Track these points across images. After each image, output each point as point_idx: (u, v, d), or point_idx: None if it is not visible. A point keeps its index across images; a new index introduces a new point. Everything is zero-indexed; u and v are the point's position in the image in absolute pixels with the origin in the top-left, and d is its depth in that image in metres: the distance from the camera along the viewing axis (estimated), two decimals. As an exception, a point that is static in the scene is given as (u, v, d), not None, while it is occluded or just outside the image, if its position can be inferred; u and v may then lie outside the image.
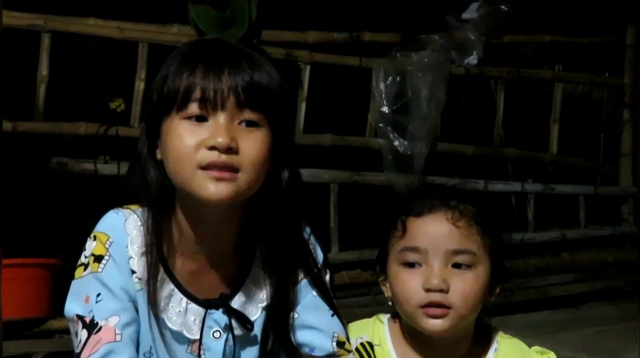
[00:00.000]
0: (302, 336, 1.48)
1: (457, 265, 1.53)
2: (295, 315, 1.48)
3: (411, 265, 1.56)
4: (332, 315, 1.51)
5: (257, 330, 1.46)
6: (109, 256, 1.40)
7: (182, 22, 3.81)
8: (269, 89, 1.35)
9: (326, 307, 1.50)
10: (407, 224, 1.57)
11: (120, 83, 3.76)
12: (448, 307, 1.52)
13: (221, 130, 1.31)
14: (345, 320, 1.59)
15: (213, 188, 1.32)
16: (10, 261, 2.98)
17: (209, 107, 1.32)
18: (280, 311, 1.46)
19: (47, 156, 3.55)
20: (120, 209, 1.43)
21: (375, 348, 1.61)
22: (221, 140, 1.31)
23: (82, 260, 1.42)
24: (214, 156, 1.31)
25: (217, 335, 1.44)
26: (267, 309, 1.46)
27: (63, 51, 3.62)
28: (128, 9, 3.76)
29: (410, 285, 1.54)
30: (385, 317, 1.67)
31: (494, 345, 1.64)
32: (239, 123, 1.34)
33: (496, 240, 1.58)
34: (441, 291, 1.52)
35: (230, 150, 1.31)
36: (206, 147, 1.31)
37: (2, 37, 3.08)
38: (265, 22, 3.98)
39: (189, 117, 1.33)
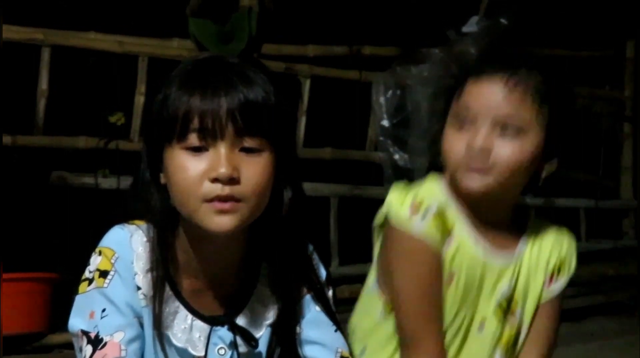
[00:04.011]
0: (305, 351, 1.48)
1: (504, 129, 1.52)
2: (299, 331, 1.47)
3: (462, 124, 1.56)
4: (336, 331, 1.50)
5: (262, 347, 1.45)
6: (115, 271, 1.39)
7: (182, 36, 3.81)
8: (266, 108, 1.34)
9: (329, 322, 1.49)
10: (466, 85, 1.57)
11: (120, 97, 3.76)
12: (488, 168, 1.52)
13: (222, 161, 1.31)
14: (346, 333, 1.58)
15: (217, 221, 1.32)
16: (9, 276, 2.97)
17: (208, 137, 1.32)
18: (286, 328, 1.45)
19: (47, 170, 3.54)
20: (125, 224, 1.42)
21: (444, 212, 1.59)
22: (223, 171, 1.30)
23: (87, 274, 1.41)
24: (217, 189, 1.31)
25: (222, 352, 1.43)
26: (272, 326, 1.45)
27: (63, 65, 3.62)
28: (128, 23, 3.77)
29: (456, 144, 1.56)
30: (438, 178, 1.65)
31: (528, 224, 1.68)
32: (240, 150, 1.33)
33: (556, 112, 1.55)
34: (483, 154, 1.52)
35: (233, 180, 1.31)
36: (209, 179, 1.31)
37: (2, 50, 3.07)
38: (265, 36, 3.99)
39: (190, 148, 1.32)
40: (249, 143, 1.33)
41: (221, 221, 1.32)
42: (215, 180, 1.31)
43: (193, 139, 1.32)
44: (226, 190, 1.31)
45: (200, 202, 1.32)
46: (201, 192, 1.31)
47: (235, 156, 1.32)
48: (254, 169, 1.33)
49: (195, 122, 1.32)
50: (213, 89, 1.32)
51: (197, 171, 1.32)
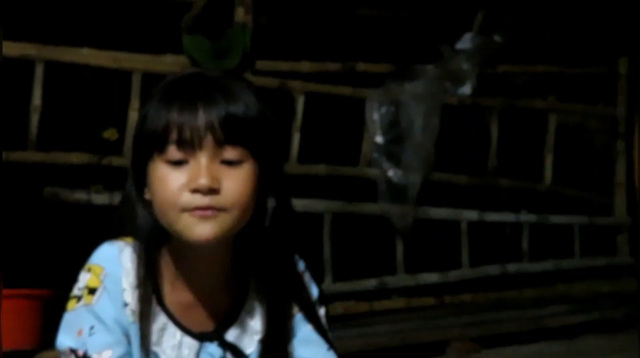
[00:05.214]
0: (297, 370, 1.46)
1: None
2: (290, 350, 1.46)
3: None
4: (328, 349, 1.49)
5: (253, 363, 1.44)
6: (103, 288, 1.39)
7: (176, 52, 3.82)
8: (246, 120, 1.34)
9: (322, 341, 1.48)
10: None
11: (113, 113, 3.76)
12: None
13: (202, 171, 1.31)
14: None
15: (199, 229, 1.32)
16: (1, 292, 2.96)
17: (187, 148, 1.32)
18: (276, 344, 1.44)
19: (40, 186, 3.53)
20: (115, 241, 1.42)
21: None
22: (203, 182, 1.30)
23: (75, 292, 1.40)
24: (197, 200, 1.31)
25: (211, 368, 1.42)
26: (262, 342, 1.44)
27: (56, 81, 3.62)
28: (122, 39, 3.77)
29: None
30: None
31: None
32: (221, 162, 1.33)
33: None
34: None
35: (213, 191, 1.31)
36: (189, 190, 1.31)
37: (2, 66, 3.07)
38: (260, 53, 3.99)
39: (170, 161, 1.33)
40: (229, 154, 1.33)
41: (202, 229, 1.32)
42: (195, 191, 1.31)
43: (172, 151, 1.32)
44: (206, 200, 1.31)
45: (180, 212, 1.32)
46: (181, 203, 1.31)
47: (215, 167, 1.32)
48: (235, 181, 1.33)
49: (174, 135, 1.32)
50: (191, 102, 1.33)
51: (177, 183, 1.32)
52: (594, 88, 5.07)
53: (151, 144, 1.34)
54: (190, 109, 1.32)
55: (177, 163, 1.32)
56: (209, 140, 1.32)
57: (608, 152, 5.13)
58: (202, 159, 1.32)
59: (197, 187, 1.30)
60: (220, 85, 1.35)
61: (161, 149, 1.33)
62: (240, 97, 1.35)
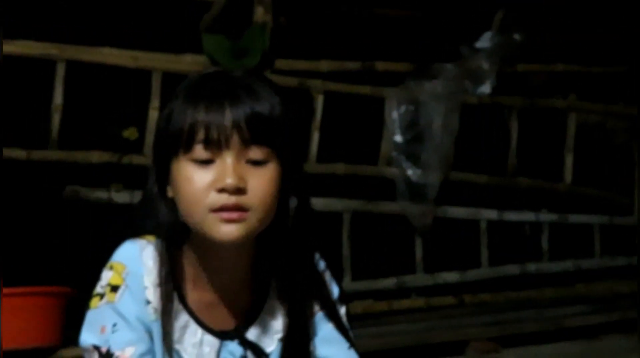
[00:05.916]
0: (318, 369, 1.47)
1: None
2: (311, 348, 1.47)
3: None
4: (349, 348, 1.50)
5: (274, 361, 1.45)
6: (125, 286, 1.40)
7: (196, 51, 3.83)
8: (272, 119, 1.35)
9: (342, 340, 1.49)
10: None
11: (133, 112, 3.77)
12: None
13: (229, 171, 1.32)
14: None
15: (224, 230, 1.33)
16: (20, 290, 2.98)
17: (214, 148, 1.33)
18: (296, 343, 1.45)
19: (61, 185, 3.55)
20: (136, 239, 1.43)
21: None
22: (230, 181, 1.31)
23: (98, 290, 1.41)
24: (223, 199, 1.32)
25: (232, 366, 1.43)
26: (283, 340, 1.45)
27: (77, 80, 3.64)
28: (142, 38, 3.79)
29: None
30: None
31: None
32: (246, 162, 1.34)
33: None
34: None
35: (240, 191, 1.32)
36: (216, 189, 1.32)
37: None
38: (279, 52, 4.00)
39: (196, 160, 1.33)
40: (255, 154, 1.34)
41: (228, 230, 1.33)
42: (222, 190, 1.32)
43: (199, 151, 1.33)
44: (232, 199, 1.32)
45: (207, 212, 1.33)
46: (208, 202, 1.32)
47: (241, 167, 1.33)
48: (261, 181, 1.34)
49: (201, 134, 1.33)
50: (218, 101, 1.33)
51: (203, 182, 1.33)
52: (614, 87, 5.04)
53: (176, 143, 1.34)
54: (217, 109, 1.33)
55: (204, 163, 1.33)
56: (235, 140, 1.33)
57: (628, 151, 5.10)
58: (229, 159, 1.32)
59: (224, 187, 1.31)
60: (244, 84, 1.36)
61: (187, 148, 1.33)
62: (265, 96, 1.35)
